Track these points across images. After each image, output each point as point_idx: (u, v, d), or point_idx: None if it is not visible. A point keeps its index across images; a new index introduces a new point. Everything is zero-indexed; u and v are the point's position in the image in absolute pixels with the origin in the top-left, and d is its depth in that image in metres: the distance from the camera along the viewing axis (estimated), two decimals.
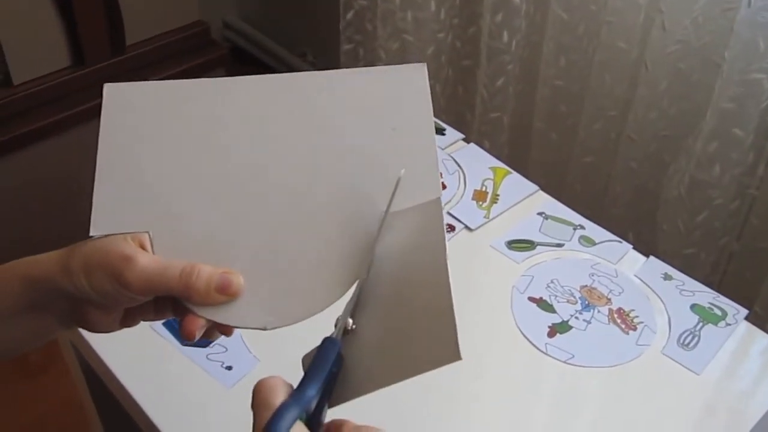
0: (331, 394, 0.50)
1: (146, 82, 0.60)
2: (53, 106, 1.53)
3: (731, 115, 1.14)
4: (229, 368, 0.86)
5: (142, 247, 0.53)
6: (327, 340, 0.50)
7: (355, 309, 0.52)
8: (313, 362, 0.49)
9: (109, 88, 0.59)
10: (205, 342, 0.88)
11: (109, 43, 1.58)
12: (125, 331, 0.58)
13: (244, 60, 2.53)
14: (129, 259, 0.50)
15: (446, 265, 0.50)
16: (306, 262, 0.54)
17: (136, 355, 0.86)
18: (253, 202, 0.56)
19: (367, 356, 0.51)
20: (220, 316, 0.52)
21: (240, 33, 2.54)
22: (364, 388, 0.50)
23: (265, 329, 0.53)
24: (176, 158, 0.57)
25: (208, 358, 0.87)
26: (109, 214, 0.55)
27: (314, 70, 2.26)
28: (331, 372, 0.49)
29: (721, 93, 1.13)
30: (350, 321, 0.52)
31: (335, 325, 0.52)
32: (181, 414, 0.81)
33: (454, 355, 0.47)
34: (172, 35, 1.71)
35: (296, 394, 0.47)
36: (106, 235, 0.54)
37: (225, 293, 0.52)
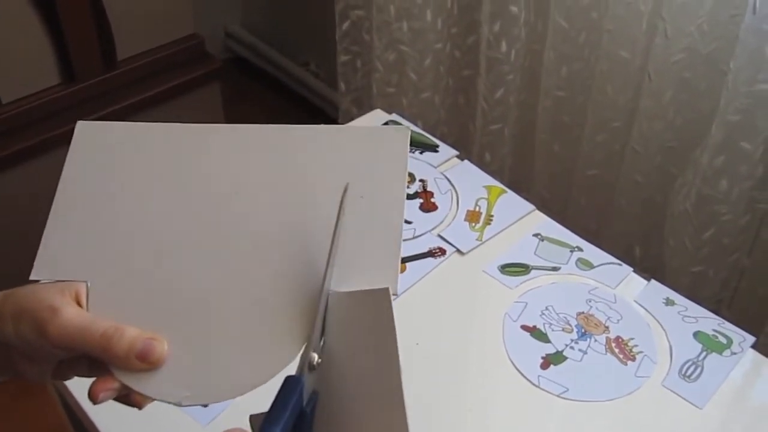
0: None
1: (121, 122, 0.58)
2: (43, 125, 1.50)
3: (738, 127, 1.09)
4: (205, 405, 0.82)
5: (78, 297, 0.50)
6: (288, 378, 0.46)
7: (321, 342, 0.48)
8: (272, 404, 0.44)
9: (81, 126, 0.58)
10: None
11: (99, 58, 1.55)
12: None
13: (245, 70, 2.50)
14: (55, 311, 0.48)
15: (401, 393, 0.44)
16: (238, 336, 0.50)
17: None
18: (199, 261, 0.52)
19: (341, 390, 0.47)
20: (138, 383, 0.48)
21: (243, 43, 2.51)
22: None
23: (180, 405, 0.48)
24: (133, 207, 0.55)
25: None
26: (53, 259, 0.53)
27: (317, 80, 2.23)
28: (300, 411, 0.45)
29: (728, 105, 1.08)
30: (315, 356, 0.47)
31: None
32: None
33: None
34: (166, 49, 1.67)
35: None
36: (45, 282, 0.51)
37: (146, 361, 0.48)
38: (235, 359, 0.50)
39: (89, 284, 0.52)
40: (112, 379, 0.49)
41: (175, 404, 0.48)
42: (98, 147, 0.57)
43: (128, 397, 0.50)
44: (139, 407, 0.50)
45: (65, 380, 0.54)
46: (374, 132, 0.56)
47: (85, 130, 0.58)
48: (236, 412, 0.80)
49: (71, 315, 0.48)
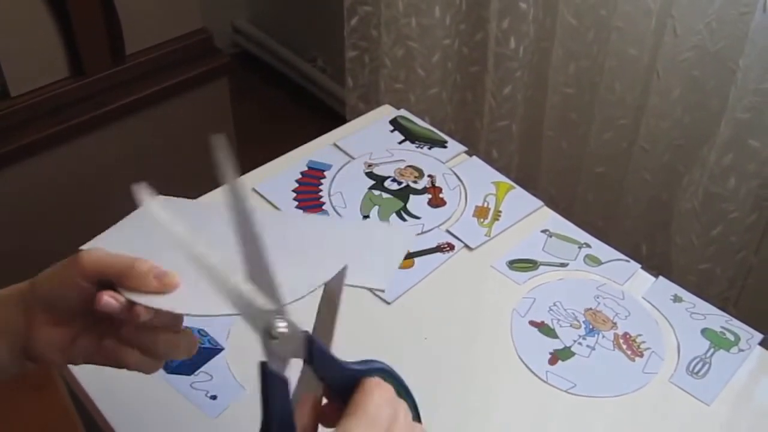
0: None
1: (180, 198, 0.71)
2: (52, 118, 1.50)
3: (747, 125, 1.09)
4: (214, 397, 0.83)
5: None
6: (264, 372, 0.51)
7: None
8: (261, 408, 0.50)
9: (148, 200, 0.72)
10: (188, 369, 0.85)
11: (108, 52, 1.55)
12: None
13: (252, 65, 2.50)
14: (86, 251, 0.57)
15: None
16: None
17: (116, 382, 0.82)
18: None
19: None
20: (144, 301, 0.56)
21: (249, 37, 2.52)
22: None
23: (173, 311, 0.56)
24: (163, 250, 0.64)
25: (192, 387, 0.83)
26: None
27: (324, 75, 2.23)
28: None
29: (736, 102, 1.08)
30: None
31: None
32: None
33: None
34: (174, 44, 1.67)
35: None
36: None
37: (160, 281, 0.57)
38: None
39: None
40: (119, 295, 0.56)
41: (168, 311, 0.56)
42: (156, 208, 0.69)
43: (118, 353, 0.58)
44: (138, 319, 0.56)
45: (75, 364, 0.60)
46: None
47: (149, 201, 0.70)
48: (245, 405, 0.81)
49: (101, 250, 0.57)
